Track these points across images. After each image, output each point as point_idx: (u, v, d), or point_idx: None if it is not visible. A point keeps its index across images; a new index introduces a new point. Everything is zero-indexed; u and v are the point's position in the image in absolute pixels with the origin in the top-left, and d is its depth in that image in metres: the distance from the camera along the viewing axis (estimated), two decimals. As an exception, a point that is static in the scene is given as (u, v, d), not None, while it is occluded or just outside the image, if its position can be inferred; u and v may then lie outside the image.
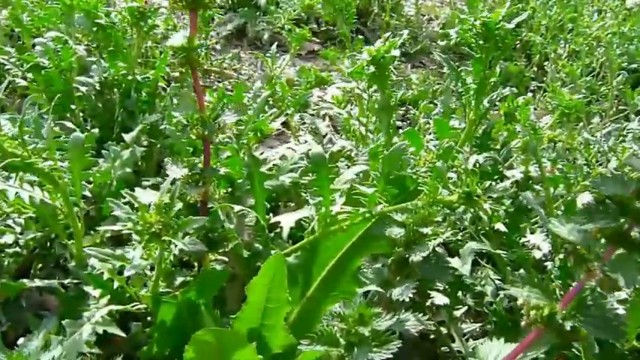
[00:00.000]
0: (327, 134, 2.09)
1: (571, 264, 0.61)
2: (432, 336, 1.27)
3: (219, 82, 2.40)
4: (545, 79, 2.77)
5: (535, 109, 2.42)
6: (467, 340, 1.28)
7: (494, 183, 1.10)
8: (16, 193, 0.83)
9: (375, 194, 0.86)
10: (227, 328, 0.79)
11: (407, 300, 0.81)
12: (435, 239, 0.85)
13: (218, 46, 2.74)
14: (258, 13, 2.94)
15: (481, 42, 1.08)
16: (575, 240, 0.63)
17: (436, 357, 1.25)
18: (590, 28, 2.89)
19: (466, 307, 1.32)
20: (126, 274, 0.76)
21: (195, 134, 0.88)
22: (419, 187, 0.92)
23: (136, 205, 0.79)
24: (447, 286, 1.16)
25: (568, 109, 1.75)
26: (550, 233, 1.28)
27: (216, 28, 2.82)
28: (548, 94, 2.10)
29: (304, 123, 2.23)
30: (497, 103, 1.44)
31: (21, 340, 0.81)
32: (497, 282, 1.28)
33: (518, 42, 2.88)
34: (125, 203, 1.10)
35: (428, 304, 1.14)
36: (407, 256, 0.86)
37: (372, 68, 1.05)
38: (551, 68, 2.63)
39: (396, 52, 1.05)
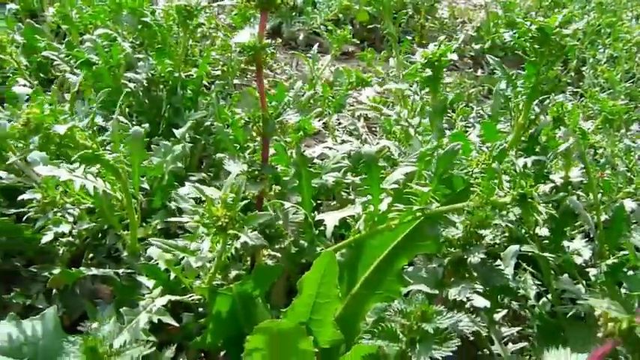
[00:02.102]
0: (362, 135, 2.10)
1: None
2: (471, 338, 1.27)
3: (255, 81, 2.43)
4: (581, 84, 2.73)
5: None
6: (505, 343, 1.27)
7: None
8: (82, 183, 0.86)
9: (427, 193, 0.87)
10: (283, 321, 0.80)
11: (464, 300, 0.82)
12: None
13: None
14: (294, 14, 2.97)
15: (536, 46, 1.08)
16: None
17: (476, 358, 1.25)
18: (630, 34, 2.84)
19: (505, 311, 1.31)
20: (195, 265, 0.78)
21: (256, 131, 0.89)
22: (470, 189, 0.92)
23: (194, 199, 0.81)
24: (487, 289, 1.16)
25: (612, 115, 1.73)
26: (596, 239, 1.27)
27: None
28: (587, 99, 2.07)
29: (340, 123, 2.25)
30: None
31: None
32: (538, 286, 1.27)
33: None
34: (173, 198, 1.12)
35: (467, 306, 1.14)
36: (464, 257, 0.86)
37: (427, 71, 1.06)
38: (588, 73, 2.60)
39: (454, 56, 1.06)
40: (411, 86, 1.33)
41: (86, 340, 0.62)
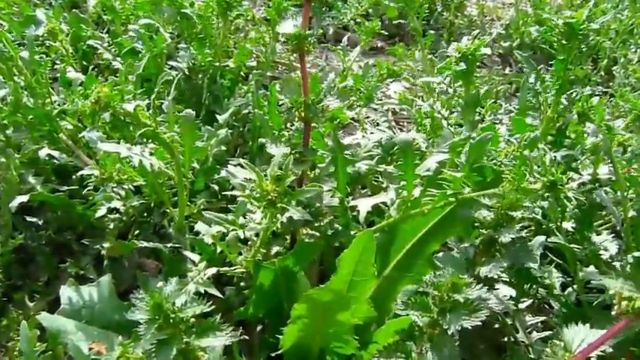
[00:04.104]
0: (392, 128, 2.14)
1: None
2: (496, 325, 1.32)
3: (287, 73, 2.48)
4: (611, 84, 2.73)
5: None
6: (529, 332, 1.31)
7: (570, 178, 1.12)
8: (140, 160, 0.93)
9: (460, 178, 0.91)
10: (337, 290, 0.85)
11: (495, 277, 0.86)
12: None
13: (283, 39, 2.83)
14: (324, 9, 3.02)
15: (564, 42, 1.11)
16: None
17: (500, 346, 1.29)
18: (664, 34, 2.82)
19: (530, 301, 1.35)
20: (247, 234, 0.84)
21: (299, 117, 0.95)
22: (501, 177, 0.97)
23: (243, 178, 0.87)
24: (513, 279, 1.21)
25: (642, 113, 1.74)
26: (623, 234, 1.30)
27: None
28: (616, 98, 2.08)
29: (368, 117, 2.29)
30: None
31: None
32: (564, 277, 1.31)
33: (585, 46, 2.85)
34: (215, 180, 1.19)
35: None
36: (495, 237, 0.91)
37: (461, 64, 1.10)
38: (619, 73, 2.59)
39: (487, 50, 1.10)
40: (443, 80, 1.37)
41: (153, 297, 0.68)
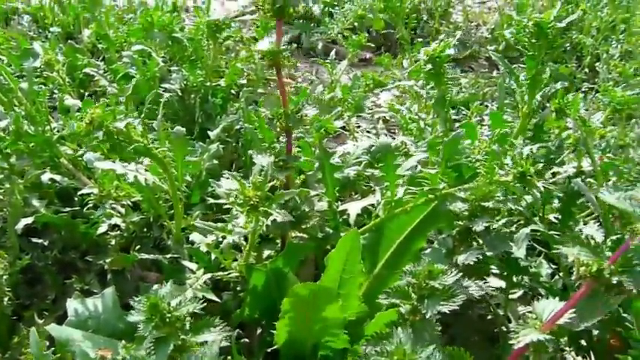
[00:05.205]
0: (383, 135, 2.20)
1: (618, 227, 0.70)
2: (489, 317, 1.36)
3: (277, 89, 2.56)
4: (596, 80, 2.79)
5: (586, 110, 2.45)
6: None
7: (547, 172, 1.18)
8: (135, 175, 0.99)
9: (436, 175, 0.97)
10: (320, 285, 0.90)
11: (472, 263, 0.92)
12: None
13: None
14: (312, 25, 3.11)
15: (534, 40, 1.18)
16: (621, 206, 0.72)
17: (493, 337, 1.34)
18: (644, 28, 2.89)
19: (522, 292, 1.40)
20: (232, 238, 0.90)
21: (280, 127, 1.01)
22: (477, 172, 1.02)
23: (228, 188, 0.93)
24: (502, 271, 1.26)
25: (620, 106, 1.80)
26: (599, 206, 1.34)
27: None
28: (600, 94, 2.14)
29: (359, 126, 2.36)
30: (548, 102, 1.52)
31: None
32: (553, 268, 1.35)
33: (568, 44, 2.92)
34: (209, 193, 1.25)
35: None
36: (470, 226, 0.96)
37: (429, 67, 1.17)
38: (602, 69, 2.65)
39: (451, 51, 1.16)
40: (417, 84, 1.43)
41: (149, 298, 0.74)
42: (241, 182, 0.86)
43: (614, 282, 0.71)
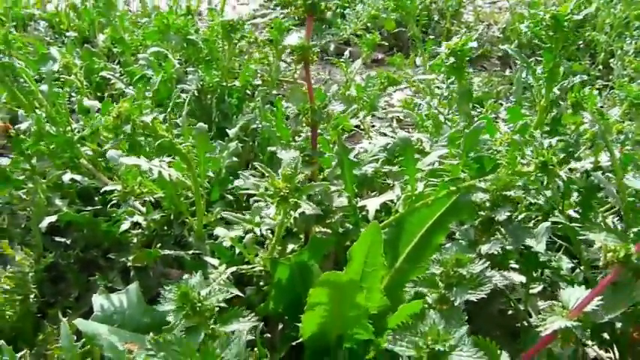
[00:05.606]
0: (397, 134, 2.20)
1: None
2: (510, 312, 1.36)
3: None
4: (610, 77, 2.78)
5: (602, 106, 2.44)
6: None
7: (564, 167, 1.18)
8: (159, 172, 1.00)
9: (457, 167, 0.97)
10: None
11: (496, 253, 0.91)
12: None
13: (288, 59, 2.93)
14: (324, 26, 3.12)
15: (551, 33, 1.18)
16: (648, 192, 0.72)
17: (515, 332, 1.33)
18: (658, 24, 2.87)
19: (542, 287, 1.39)
20: (259, 230, 0.90)
21: (306, 122, 1.02)
22: (498, 164, 1.02)
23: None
24: (522, 266, 1.25)
25: (637, 100, 1.79)
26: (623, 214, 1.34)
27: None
28: (616, 89, 2.12)
29: (373, 125, 2.36)
30: (564, 96, 1.52)
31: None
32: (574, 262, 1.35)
33: (581, 42, 2.91)
34: (229, 190, 1.26)
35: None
36: (492, 216, 0.96)
37: (451, 60, 1.17)
38: (617, 65, 2.64)
39: (474, 44, 1.17)
40: (437, 78, 1.43)
41: (180, 287, 0.75)
42: (271, 173, 0.87)
43: (643, 268, 0.71)
